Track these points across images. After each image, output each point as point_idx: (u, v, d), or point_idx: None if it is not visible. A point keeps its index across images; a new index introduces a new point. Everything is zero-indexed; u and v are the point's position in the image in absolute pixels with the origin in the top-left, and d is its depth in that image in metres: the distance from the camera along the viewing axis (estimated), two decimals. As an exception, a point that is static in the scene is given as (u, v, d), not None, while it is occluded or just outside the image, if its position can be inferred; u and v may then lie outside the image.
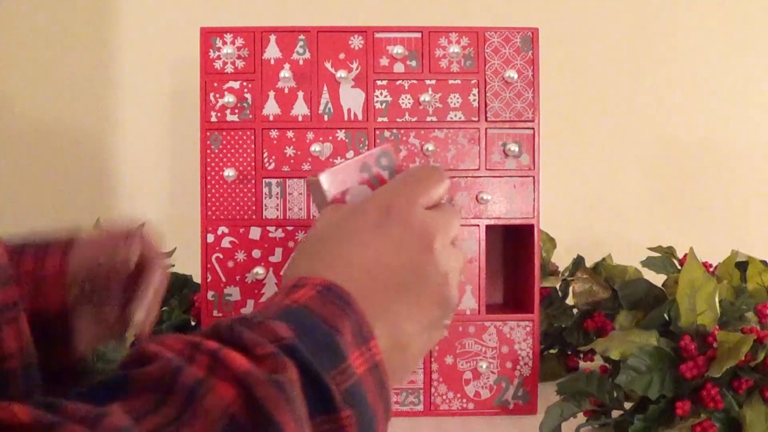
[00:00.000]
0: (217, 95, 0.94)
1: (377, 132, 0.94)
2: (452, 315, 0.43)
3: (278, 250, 0.94)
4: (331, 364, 0.33)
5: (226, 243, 0.94)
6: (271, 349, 0.31)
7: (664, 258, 1.07)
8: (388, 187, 0.43)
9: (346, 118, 0.94)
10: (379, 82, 0.94)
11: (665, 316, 0.87)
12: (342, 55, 0.94)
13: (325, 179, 0.45)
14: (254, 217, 0.94)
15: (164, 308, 1.07)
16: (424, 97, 0.94)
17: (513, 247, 1.07)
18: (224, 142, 0.94)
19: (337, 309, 0.36)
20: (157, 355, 0.29)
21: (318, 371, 0.32)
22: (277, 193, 0.94)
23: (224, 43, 0.94)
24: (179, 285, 1.12)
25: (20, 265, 0.55)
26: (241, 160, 0.94)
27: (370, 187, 0.46)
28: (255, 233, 0.94)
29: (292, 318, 0.34)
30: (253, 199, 0.94)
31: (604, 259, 1.14)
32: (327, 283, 0.37)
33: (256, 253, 0.94)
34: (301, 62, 0.94)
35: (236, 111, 0.94)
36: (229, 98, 0.93)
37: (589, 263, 1.13)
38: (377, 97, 0.94)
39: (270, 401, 0.28)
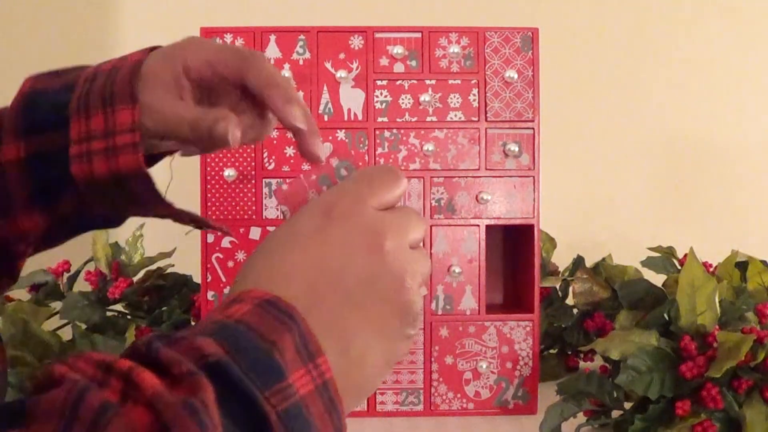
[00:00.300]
0: (217, 95, 0.94)
1: (377, 132, 0.94)
2: (417, 324, 0.39)
3: (278, 250, 0.94)
4: (266, 384, 0.30)
5: (226, 243, 0.94)
6: (189, 368, 0.28)
7: (664, 258, 1.07)
8: (332, 189, 0.40)
9: (346, 118, 0.94)
10: (379, 82, 0.94)
11: (665, 316, 0.87)
12: (342, 55, 0.94)
13: (281, 196, 0.43)
14: (254, 217, 0.94)
15: (164, 308, 1.07)
16: (424, 97, 0.94)
17: (513, 247, 1.07)
18: (224, 142, 0.94)
19: (277, 323, 0.32)
20: (63, 377, 0.27)
21: (249, 391, 0.29)
22: (277, 193, 0.94)
23: (224, 43, 0.94)
24: (179, 285, 1.12)
25: None
26: (241, 160, 0.94)
27: None
28: (255, 233, 0.94)
29: (223, 334, 0.31)
30: (253, 199, 0.94)
31: (604, 259, 1.14)
32: (267, 296, 0.34)
33: (256, 253, 0.94)
34: (301, 62, 0.94)
35: (236, 111, 0.94)
36: (229, 98, 0.93)
37: (589, 263, 1.13)
38: (377, 97, 0.94)
39: (179, 426, 0.26)
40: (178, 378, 0.28)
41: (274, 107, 0.48)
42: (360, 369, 0.36)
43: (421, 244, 0.41)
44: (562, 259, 1.18)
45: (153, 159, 0.56)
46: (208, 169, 0.94)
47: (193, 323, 1.09)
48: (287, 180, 0.94)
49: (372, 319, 0.36)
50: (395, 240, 0.37)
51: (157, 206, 0.49)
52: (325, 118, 0.94)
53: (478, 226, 0.95)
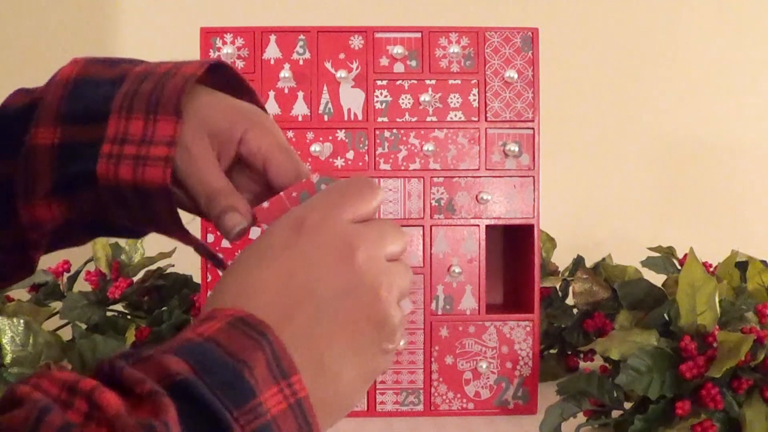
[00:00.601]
0: (217, 95, 0.94)
1: (377, 132, 0.94)
2: (395, 338, 0.37)
3: (278, 250, 0.94)
4: (235, 403, 0.29)
5: (226, 243, 0.94)
6: (152, 388, 0.28)
7: (664, 258, 1.07)
8: (304, 204, 0.39)
9: (346, 118, 0.94)
10: (379, 82, 0.94)
11: (665, 316, 0.87)
12: (342, 55, 0.94)
13: (262, 214, 0.42)
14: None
15: (164, 308, 1.07)
16: (424, 97, 0.94)
17: (513, 247, 1.07)
18: (224, 142, 0.94)
19: (249, 341, 0.32)
20: (25, 397, 0.26)
21: (216, 410, 0.28)
22: (277, 193, 0.94)
23: (224, 43, 0.94)
24: (179, 285, 1.12)
25: None
26: (241, 160, 0.94)
27: None
28: (255, 233, 0.94)
29: (191, 352, 0.30)
30: (253, 199, 0.94)
31: (604, 259, 1.14)
32: (239, 313, 0.33)
33: (256, 253, 0.94)
34: (301, 62, 0.94)
35: (236, 111, 0.94)
36: (229, 98, 0.93)
37: (589, 263, 1.13)
38: (377, 97, 0.94)
39: None
40: (141, 398, 0.28)
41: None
42: (336, 386, 0.35)
43: (402, 257, 0.40)
44: (562, 259, 1.19)
45: None
46: (208, 169, 0.94)
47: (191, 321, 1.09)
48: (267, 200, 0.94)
49: (347, 333, 0.35)
50: (368, 251, 0.36)
51: (174, 231, 0.47)
52: (325, 118, 0.94)
53: (478, 226, 0.95)
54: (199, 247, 0.50)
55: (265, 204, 0.42)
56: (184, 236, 0.48)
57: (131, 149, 0.44)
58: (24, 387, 0.27)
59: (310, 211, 0.37)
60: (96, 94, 0.48)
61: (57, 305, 1.05)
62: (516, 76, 0.95)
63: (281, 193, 0.42)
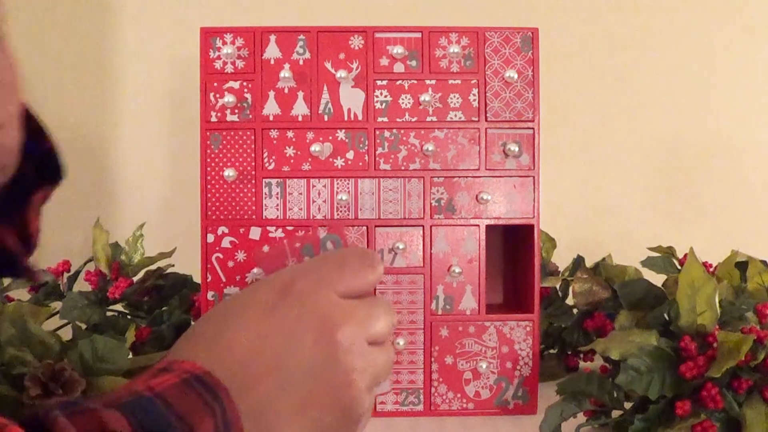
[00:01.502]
0: (217, 95, 0.94)
1: (377, 132, 0.94)
2: (359, 426, 0.35)
3: (278, 250, 0.94)
4: None
5: (226, 243, 0.94)
6: None
7: (664, 258, 1.07)
8: (298, 266, 0.37)
9: (346, 118, 0.94)
10: (379, 82, 0.94)
11: (665, 316, 0.87)
12: (342, 55, 0.94)
13: (259, 258, 0.40)
14: (254, 217, 0.94)
15: (164, 308, 1.07)
16: (424, 97, 0.94)
17: (513, 247, 1.07)
18: (224, 142, 0.94)
19: (200, 402, 0.30)
20: None
21: None
22: (277, 193, 0.94)
23: (224, 43, 0.94)
24: (179, 285, 1.12)
25: None
26: (241, 160, 0.94)
27: None
28: (255, 233, 0.94)
29: (136, 409, 0.29)
30: (253, 199, 0.94)
31: (604, 259, 1.14)
32: (197, 371, 0.31)
33: (256, 253, 0.94)
34: (301, 62, 0.94)
35: (236, 111, 0.94)
36: (229, 98, 0.93)
37: (589, 263, 1.13)
38: (377, 97, 0.94)
39: None
40: None
41: None
42: None
43: (387, 340, 0.38)
44: (562, 259, 1.19)
45: None
46: (208, 169, 0.94)
47: (192, 323, 1.09)
48: (288, 180, 0.94)
49: (309, 413, 0.33)
50: (351, 331, 0.35)
51: None
52: (325, 118, 0.94)
53: (478, 226, 0.95)
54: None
55: (266, 248, 0.41)
56: None
57: None
58: None
59: (302, 277, 0.36)
60: None
61: (57, 305, 1.05)
62: (516, 76, 0.95)
63: (285, 241, 0.41)
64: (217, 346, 0.33)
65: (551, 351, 1.14)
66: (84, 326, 1.01)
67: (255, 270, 0.92)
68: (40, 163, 0.47)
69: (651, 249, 1.10)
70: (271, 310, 0.35)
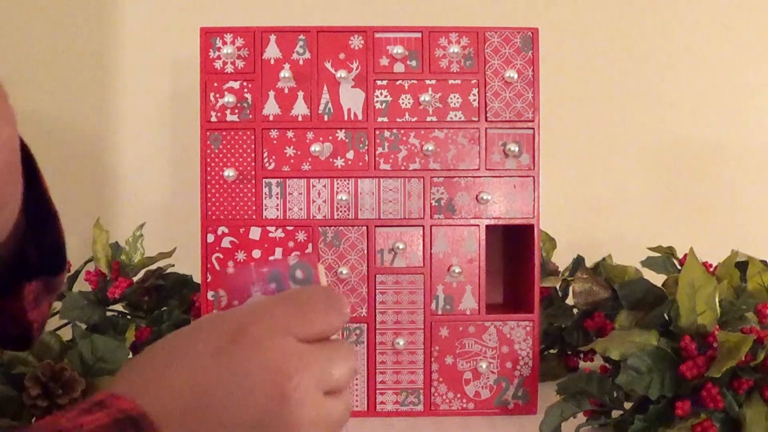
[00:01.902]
0: (217, 95, 0.94)
1: (377, 132, 0.94)
2: None
3: (278, 250, 0.94)
4: None
5: (226, 243, 0.94)
6: None
7: (664, 258, 1.07)
8: (255, 306, 0.34)
9: (346, 118, 0.94)
10: (379, 82, 0.94)
11: (665, 316, 0.87)
12: (342, 55, 0.94)
13: (222, 279, 0.37)
14: (254, 217, 0.94)
15: (164, 308, 1.07)
16: (424, 97, 0.94)
17: (513, 247, 1.07)
18: (224, 142, 0.94)
19: None
20: None
21: None
22: (277, 193, 0.94)
23: (224, 43, 0.94)
24: (179, 285, 1.12)
25: None
26: (241, 160, 0.94)
27: None
28: (255, 233, 0.94)
29: None
30: (253, 199, 0.94)
31: (604, 259, 1.14)
32: (132, 411, 0.29)
33: (256, 253, 0.94)
34: (301, 62, 0.94)
35: (236, 111, 0.94)
36: (229, 98, 0.93)
37: (589, 263, 1.13)
38: (377, 97, 0.94)
39: None
40: None
41: None
42: None
43: (345, 390, 0.35)
44: (562, 259, 1.18)
45: None
46: (208, 169, 0.94)
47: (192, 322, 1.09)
48: (288, 180, 0.94)
49: None
50: (306, 382, 0.32)
51: None
52: (325, 118, 0.94)
53: (478, 226, 0.95)
54: None
55: (231, 269, 0.37)
56: None
57: None
58: None
59: (257, 321, 0.32)
60: None
61: (57, 305, 1.05)
62: (516, 76, 0.95)
63: (252, 264, 0.38)
64: (157, 387, 0.31)
65: (551, 351, 1.14)
66: (84, 326, 1.01)
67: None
68: (44, 251, 0.45)
69: (651, 249, 1.10)
70: (219, 356, 0.32)
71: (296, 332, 0.33)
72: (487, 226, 0.96)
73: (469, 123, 0.95)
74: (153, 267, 1.14)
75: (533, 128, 0.95)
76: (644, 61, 1.40)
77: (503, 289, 1.10)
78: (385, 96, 0.94)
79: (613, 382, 0.81)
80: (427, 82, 0.95)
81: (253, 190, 0.94)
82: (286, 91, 0.94)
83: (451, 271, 0.94)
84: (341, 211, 0.94)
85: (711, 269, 1.04)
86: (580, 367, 1.13)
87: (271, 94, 0.94)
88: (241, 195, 0.94)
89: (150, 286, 1.10)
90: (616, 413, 0.84)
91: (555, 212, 1.29)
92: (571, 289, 1.10)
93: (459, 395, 0.95)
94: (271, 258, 0.37)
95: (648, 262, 1.07)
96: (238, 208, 0.94)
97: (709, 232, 1.40)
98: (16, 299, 0.44)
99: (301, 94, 0.94)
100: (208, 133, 0.94)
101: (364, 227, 0.94)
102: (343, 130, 0.94)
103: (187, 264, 1.12)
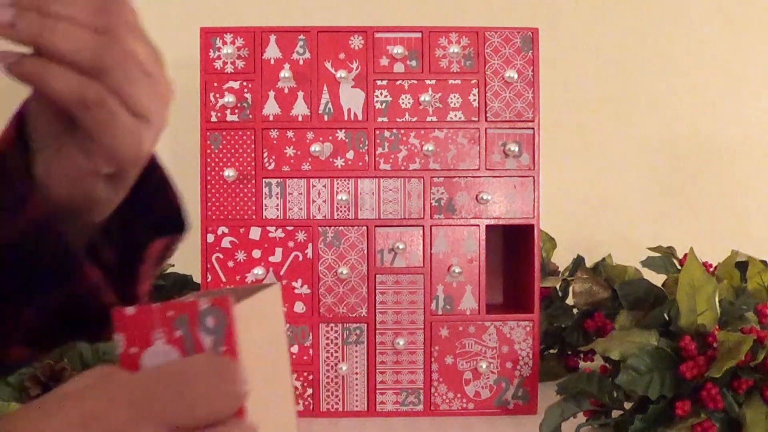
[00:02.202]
0: (217, 95, 0.94)
1: (377, 132, 0.94)
2: None
3: (278, 250, 0.94)
4: None
5: (226, 243, 0.94)
6: None
7: (664, 258, 1.07)
8: (111, 390, 0.27)
9: (346, 118, 0.94)
10: (379, 82, 0.94)
11: (665, 316, 0.87)
12: (342, 55, 0.94)
13: (120, 321, 0.30)
14: (254, 217, 0.94)
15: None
16: (424, 97, 0.94)
17: (513, 247, 1.07)
18: (224, 142, 0.94)
19: None
20: None
21: None
22: (277, 193, 0.94)
23: (224, 43, 0.94)
24: (179, 285, 1.12)
25: None
26: (241, 160, 0.94)
27: (180, 351, 0.30)
28: (255, 233, 0.94)
29: None
30: (253, 199, 0.94)
31: (604, 259, 1.14)
32: None
33: (256, 253, 0.94)
34: (301, 62, 0.94)
35: (236, 111, 0.94)
36: (229, 98, 0.93)
37: (589, 263, 1.13)
38: (377, 97, 0.94)
39: None
40: None
41: None
42: None
43: None
44: (562, 259, 1.18)
45: None
46: (208, 169, 0.94)
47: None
48: (288, 180, 0.94)
49: None
50: None
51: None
52: (325, 118, 0.94)
53: (478, 226, 0.95)
54: None
55: (130, 310, 0.30)
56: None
57: None
58: None
59: (115, 410, 0.26)
60: None
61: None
62: (516, 76, 0.95)
63: (154, 306, 0.31)
64: None
65: (551, 351, 1.14)
66: (84, 326, 1.01)
67: (256, 270, 0.93)
68: (161, 215, 0.43)
69: (651, 249, 1.10)
70: None
71: (167, 420, 0.26)
72: (487, 226, 0.96)
73: (469, 123, 0.95)
74: (153, 267, 1.14)
75: (533, 128, 0.95)
76: (644, 61, 1.40)
77: (503, 289, 1.10)
78: (385, 96, 0.94)
79: (613, 382, 0.80)
80: (427, 82, 0.95)
81: (253, 190, 0.94)
82: (286, 91, 0.94)
83: (451, 271, 0.94)
84: (341, 211, 0.94)
85: (711, 269, 1.04)
86: (580, 367, 1.13)
87: (271, 94, 0.94)
88: (241, 195, 0.94)
89: (150, 286, 1.10)
90: (616, 413, 0.84)
91: (555, 212, 1.29)
92: (571, 289, 1.10)
93: (459, 395, 0.95)
94: (179, 300, 0.28)
95: (648, 262, 1.07)
96: (238, 208, 0.94)
97: (709, 232, 1.40)
98: (136, 267, 0.43)
99: (301, 94, 0.94)
100: (208, 133, 0.94)
101: (364, 227, 0.94)
102: (343, 130, 0.94)
103: (187, 264, 1.12)
